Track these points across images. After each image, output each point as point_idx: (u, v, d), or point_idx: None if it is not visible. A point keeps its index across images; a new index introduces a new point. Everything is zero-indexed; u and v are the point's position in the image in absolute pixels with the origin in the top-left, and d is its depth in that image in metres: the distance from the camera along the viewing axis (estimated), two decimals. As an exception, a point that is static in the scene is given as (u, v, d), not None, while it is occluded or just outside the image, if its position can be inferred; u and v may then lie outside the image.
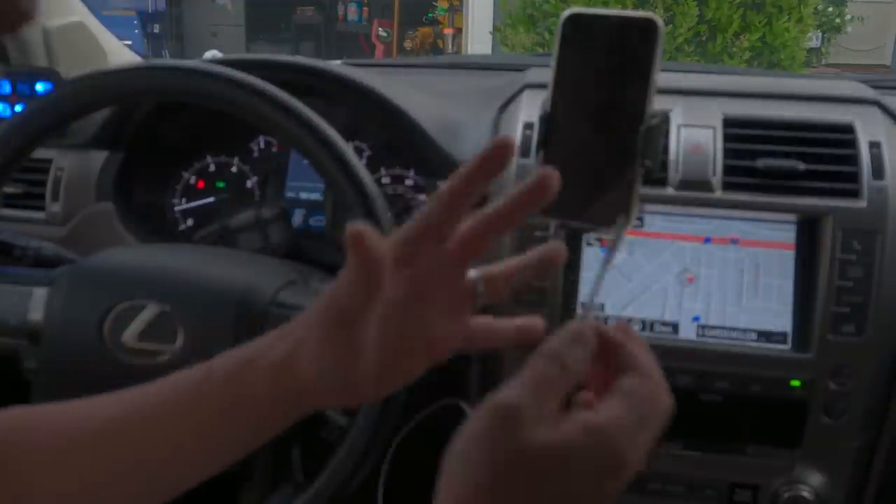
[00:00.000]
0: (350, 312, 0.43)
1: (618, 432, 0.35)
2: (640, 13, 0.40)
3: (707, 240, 0.79)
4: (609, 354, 0.39)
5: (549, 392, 0.36)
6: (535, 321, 0.49)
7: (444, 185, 0.41)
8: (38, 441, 0.45)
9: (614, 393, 0.37)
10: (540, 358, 0.37)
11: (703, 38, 4.29)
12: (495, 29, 5.28)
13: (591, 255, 0.80)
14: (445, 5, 7.63)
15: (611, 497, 0.36)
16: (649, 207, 0.80)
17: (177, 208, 1.02)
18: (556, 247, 0.44)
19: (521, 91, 0.89)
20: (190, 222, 1.02)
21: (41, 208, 0.96)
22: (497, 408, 0.36)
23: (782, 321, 0.77)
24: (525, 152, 0.82)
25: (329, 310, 0.44)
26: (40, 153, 0.92)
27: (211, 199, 1.02)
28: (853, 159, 0.79)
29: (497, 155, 0.41)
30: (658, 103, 0.40)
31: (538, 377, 0.37)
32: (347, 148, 0.70)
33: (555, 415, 0.36)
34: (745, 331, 0.78)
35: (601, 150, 0.41)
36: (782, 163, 0.79)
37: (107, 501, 0.45)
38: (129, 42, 1.38)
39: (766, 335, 0.77)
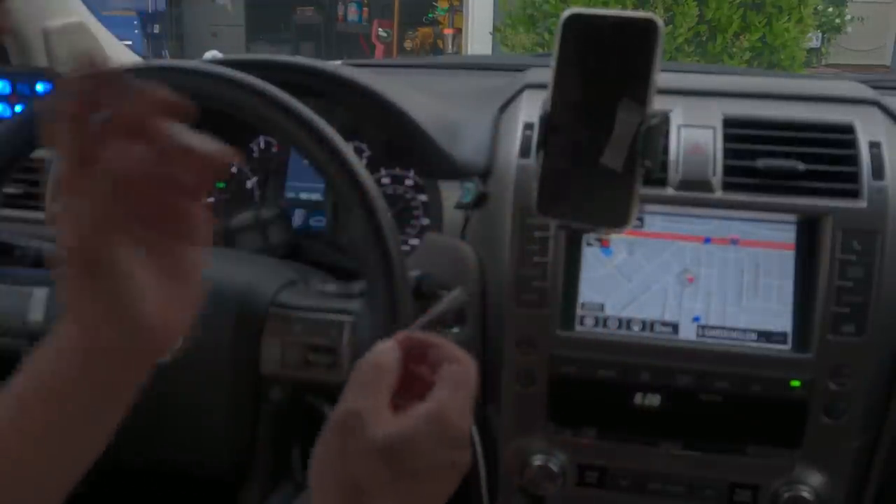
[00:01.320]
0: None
1: (449, 410, 0.44)
2: (640, 14, 0.40)
3: (707, 240, 0.79)
4: (426, 355, 0.48)
5: (377, 391, 0.44)
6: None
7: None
8: None
9: (437, 382, 0.46)
10: (358, 369, 0.46)
11: (703, 39, 4.30)
12: (495, 29, 5.28)
13: (591, 255, 0.80)
14: (445, 5, 7.63)
15: (462, 466, 0.45)
16: (649, 207, 0.80)
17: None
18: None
19: (521, 91, 0.89)
20: (190, 222, 1.02)
21: (41, 208, 0.96)
22: (339, 417, 0.44)
23: (782, 321, 0.77)
24: (525, 152, 0.82)
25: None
26: (40, 153, 0.92)
27: (211, 200, 1.02)
28: (853, 159, 0.79)
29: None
30: (658, 103, 0.40)
31: (362, 382, 0.45)
32: (347, 148, 0.70)
33: (392, 413, 0.44)
34: (745, 331, 0.78)
35: (601, 150, 0.41)
36: (782, 163, 0.79)
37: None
38: (129, 42, 1.38)
39: (766, 335, 0.77)
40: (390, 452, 0.42)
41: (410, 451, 0.42)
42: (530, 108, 0.86)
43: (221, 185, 1.03)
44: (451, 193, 0.86)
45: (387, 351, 0.47)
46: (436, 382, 0.46)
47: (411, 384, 0.48)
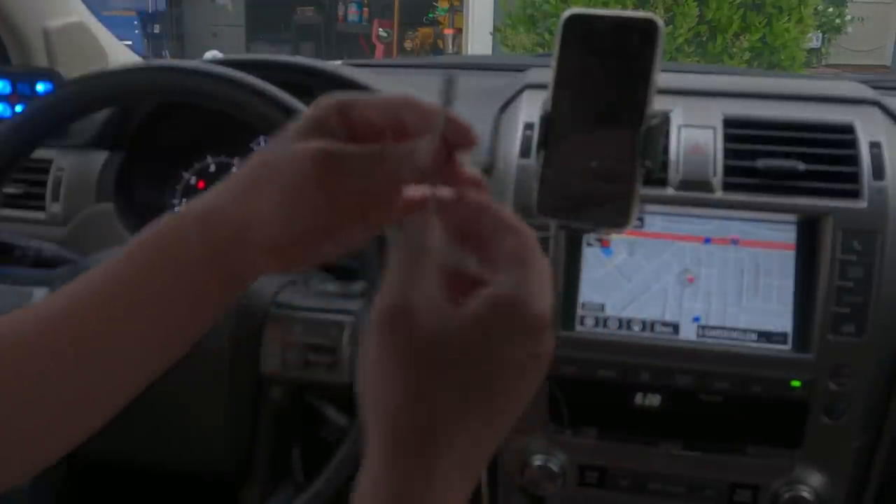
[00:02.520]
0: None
1: (522, 290, 0.35)
2: (641, 14, 0.40)
3: (707, 240, 0.79)
4: (477, 232, 0.39)
5: (423, 275, 0.36)
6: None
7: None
8: None
9: (500, 263, 0.37)
10: (395, 252, 0.37)
11: (703, 39, 4.30)
12: (495, 29, 5.29)
13: (591, 255, 0.80)
14: (445, 5, 7.64)
15: (545, 358, 0.36)
16: (649, 207, 0.80)
17: (177, 209, 1.03)
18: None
19: (521, 91, 0.89)
20: (190, 222, 1.02)
21: (41, 208, 0.96)
22: (382, 317, 0.35)
23: (782, 321, 0.77)
24: (525, 152, 0.82)
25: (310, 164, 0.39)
26: (40, 153, 0.92)
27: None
28: (853, 159, 0.79)
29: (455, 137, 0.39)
30: (658, 103, 0.40)
31: (404, 268, 0.36)
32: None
33: (448, 301, 0.35)
34: (745, 331, 0.78)
35: (601, 151, 0.41)
36: (782, 163, 0.79)
37: (54, 405, 0.43)
38: (129, 42, 1.38)
39: (766, 335, 0.77)
40: (456, 351, 0.34)
41: (480, 346, 0.34)
42: (530, 108, 0.86)
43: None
44: (451, 193, 0.86)
45: (426, 225, 0.38)
46: (495, 260, 0.37)
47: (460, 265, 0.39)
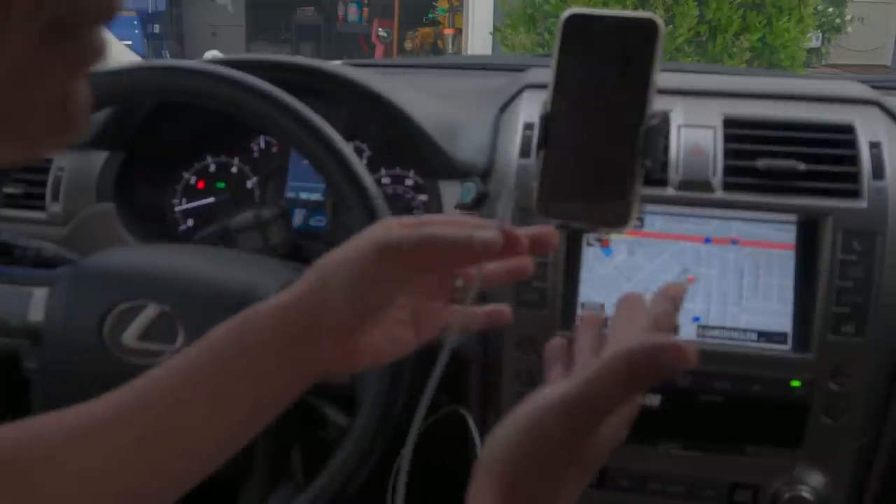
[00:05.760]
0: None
1: (632, 347, 0.39)
2: (641, 14, 0.40)
3: (707, 240, 0.79)
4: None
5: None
6: (502, 307, 0.54)
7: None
8: (54, 445, 0.44)
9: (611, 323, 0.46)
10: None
11: (703, 39, 4.30)
12: (495, 29, 5.28)
13: (591, 255, 0.80)
14: (445, 5, 7.64)
15: (635, 405, 0.46)
16: (649, 207, 0.80)
17: (177, 209, 1.03)
18: (548, 230, 0.45)
19: (521, 91, 0.89)
20: (190, 223, 1.02)
21: (41, 208, 0.96)
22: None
23: (782, 321, 0.77)
24: (525, 152, 0.82)
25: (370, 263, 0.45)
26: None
27: (211, 200, 1.02)
28: (853, 159, 0.79)
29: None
30: (658, 103, 0.40)
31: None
32: (347, 148, 0.70)
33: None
34: (745, 331, 0.78)
35: (601, 151, 0.41)
36: (782, 163, 0.79)
37: (133, 486, 0.44)
38: (129, 42, 1.38)
39: (766, 335, 0.77)
40: (572, 408, 0.40)
41: (596, 400, 0.40)
42: (530, 108, 0.86)
43: (222, 184, 1.03)
44: (451, 193, 0.86)
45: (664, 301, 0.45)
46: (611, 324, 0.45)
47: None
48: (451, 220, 0.46)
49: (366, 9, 8.54)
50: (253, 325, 0.45)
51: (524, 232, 0.44)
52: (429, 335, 0.51)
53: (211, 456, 0.46)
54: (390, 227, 0.45)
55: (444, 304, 0.52)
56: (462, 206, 0.84)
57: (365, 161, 0.98)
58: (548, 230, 0.45)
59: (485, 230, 0.43)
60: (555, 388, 0.40)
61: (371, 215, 0.68)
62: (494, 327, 0.55)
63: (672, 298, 0.45)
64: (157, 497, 0.45)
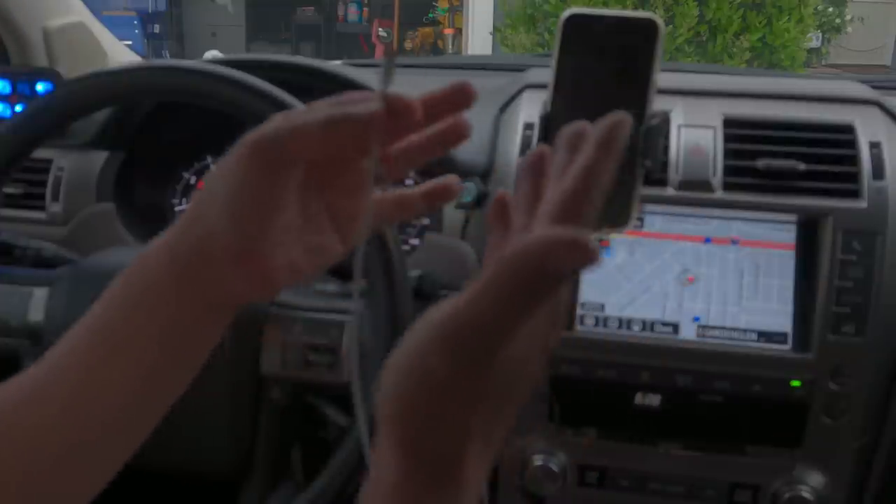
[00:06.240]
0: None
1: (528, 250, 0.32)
2: (641, 13, 0.40)
3: (707, 240, 0.79)
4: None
5: None
6: (446, 180, 0.46)
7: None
8: None
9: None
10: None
11: (703, 39, 4.30)
12: (495, 29, 5.29)
13: (591, 256, 0.80)
14: (445, 5, 7.64)
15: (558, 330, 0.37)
16: (649, 207, 0.80)
17: (177, 208, 1.02)
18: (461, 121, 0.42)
19: (521, 91, 0.89)
20: (190, 222, 1.02)
21: (41, 208, 0.96)
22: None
23: (782, 321, 0.77)
24: (525, 152, 0.82)
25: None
26: (40, 153, 0.92)
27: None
28: (853, 159, 0.79)
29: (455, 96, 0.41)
30: (658, 103, 0.40)
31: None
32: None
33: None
34: (745, 331, 0.78)
35: None
36: (782, 163, 0.79)
37: (59, 458, 0.42)
38: (129, 42, 1.38)
39: (766, 335, 0.77)
40: (454, 337, 0.31)
41: (481, 321, 0.31)
42: (530, 108, 0.86)
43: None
44: (452, 193, 0.86)
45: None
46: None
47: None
48: (329, 100, 0.40)
49: (366, 9, 8.55)
50: (145, 266, 0.42)
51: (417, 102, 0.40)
52: (356, 235, 0.44)
53: (151, 403, 0.44)
54: (265, 125, 0.40)
55: (364, 197, 0.44)
56: (462, 206, 0.84)
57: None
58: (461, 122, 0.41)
59: (363, 101, 0.39)
60: (441, 308, 0.32)
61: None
62: (437, 205, 0.46)
63: (587, 169, 0.35)
64: (108, 450, 0.44)
